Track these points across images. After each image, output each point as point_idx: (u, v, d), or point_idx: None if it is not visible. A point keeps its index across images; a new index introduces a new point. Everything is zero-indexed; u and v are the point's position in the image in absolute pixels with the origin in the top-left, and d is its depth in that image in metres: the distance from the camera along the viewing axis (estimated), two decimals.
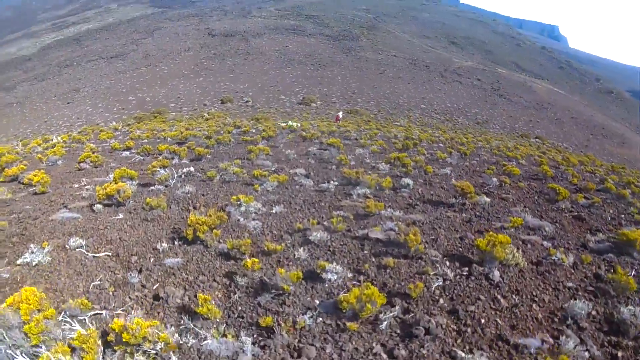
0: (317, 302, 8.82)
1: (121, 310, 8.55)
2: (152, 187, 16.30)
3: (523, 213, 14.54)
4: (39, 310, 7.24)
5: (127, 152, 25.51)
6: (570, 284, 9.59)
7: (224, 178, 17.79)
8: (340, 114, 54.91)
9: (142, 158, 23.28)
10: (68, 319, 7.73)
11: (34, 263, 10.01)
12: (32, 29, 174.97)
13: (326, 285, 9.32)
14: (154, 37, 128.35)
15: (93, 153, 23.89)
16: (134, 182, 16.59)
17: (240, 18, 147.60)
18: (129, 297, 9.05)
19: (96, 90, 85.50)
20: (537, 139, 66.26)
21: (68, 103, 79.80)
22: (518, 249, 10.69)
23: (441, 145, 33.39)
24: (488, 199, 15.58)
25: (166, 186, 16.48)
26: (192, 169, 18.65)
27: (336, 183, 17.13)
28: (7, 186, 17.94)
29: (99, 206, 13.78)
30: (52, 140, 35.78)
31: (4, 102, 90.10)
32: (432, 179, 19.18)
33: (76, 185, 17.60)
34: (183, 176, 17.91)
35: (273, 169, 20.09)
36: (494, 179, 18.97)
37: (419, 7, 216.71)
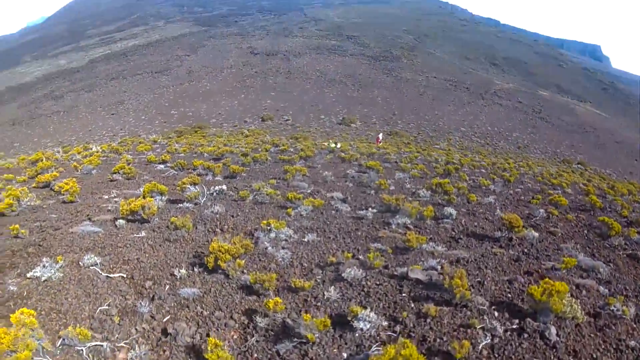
0: (345, 355, 7.61)
1: (124, 344, 7.67)
2: (181, 205, 15.35)
3: (574, 250, 12.81)
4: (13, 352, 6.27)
5: (162, 166, 24.84)
6: (633, 343, 8.06)
7: (256, 199, 16.71)
8: (381, 135, 53.57)
9: (175, 172, 22.57)
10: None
11: (43, 278, 9.38)
12: (82, 44, 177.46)
13: (357, 335, 8.01)
14: (197, 54, 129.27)
15: (128, 164, 23.34)
16: (163, 198, 15.76)
17: (282, 37, 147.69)
18: (135, 329, 8.12)
19: (140, 103, 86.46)
20: (580, 165, 64.15)
21: (112, 114, 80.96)
22: (575, 297, 9.13)
23: (483, 170, 32.11)
24: (536, 234, 13.77)
25: (196, 204, 15.51)
26: (224, 187, 17.56)
27: (374, 210, 15.85)
28: (38, 192, 17.65)
29: (122, 222, 12.93)
30: (91, 149, 35.46)
31: (52, 110, 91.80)
32: (476, 208, 17.82)
33: (105, 197, 16.95)
34: (215, 194, 16.90)
35: (309, 191, 19.07)
36: (541, 210, 17.28)
37: (459, 28, 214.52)
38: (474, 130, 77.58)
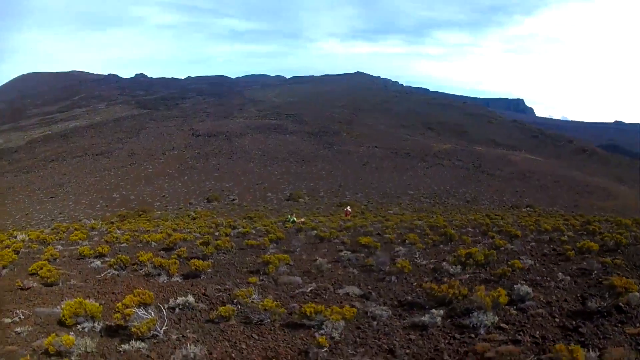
0: None
1: None
2: (126, 346, 8.63)
3: None
4: None
5: (99, 262, 17.66)
6: None
7: (246, 315, 10.61)
8: (349, 208, 51.57)
9: (115, 273, 15.76)
10: None
11: None
12: (21, 123, 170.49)
13: None
14: (139, 136, 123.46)
15: (50, 261, 17.01)
16: (95, 326, 9.37)
17: (223, 119, 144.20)
18: None
19: (80, 186, 79.57)
20: (529, 208, 67.04)
21: (51, 197, 73.97)
22: None
23: (470, 229, 29.69)
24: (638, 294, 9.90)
25: (154, 341, 9.01)
26: (190, 298, 11.30)
27: (421, 306, 11.41)
28: None
29: None
30: (17, 237, 27.98)
31: None
32: (534, 276, 13.91)
33: (6, 320, 10.25)
34: (178, 312, 10.87)
35: (309, 289, 13.80)
36: (594, 263, 14.49)
37: (392, 100, 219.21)
38: (421, 192, 76.80)
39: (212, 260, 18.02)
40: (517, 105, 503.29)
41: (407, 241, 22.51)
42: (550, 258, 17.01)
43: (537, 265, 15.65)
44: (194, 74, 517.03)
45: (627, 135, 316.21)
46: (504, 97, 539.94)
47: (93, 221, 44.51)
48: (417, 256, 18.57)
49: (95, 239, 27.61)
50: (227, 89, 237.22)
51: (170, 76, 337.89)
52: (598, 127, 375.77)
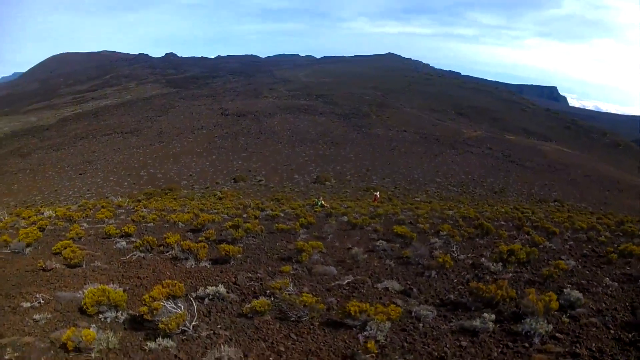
0: None
1: None
2: (151, 343, 7.83)
3: None
4: None
5: (124, 242, 17.08)
6: None
7: (281, 310, 9.79)
8: (377, 193, 50.36)
9: (141, 255, 14.99)
10: None
11: None
12: (53, 101, 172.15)
13: None
14: (168, 115, 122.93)
15: (75, 240, 16.55)
16: (118, 316, 8.68)
17: (252, 99, 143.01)
18: None
19: (109, 164, 79.44)
20: (556, 202, 65.35)
21: (80, 174, 74.25)
22: None
23: (503, 222, 28.68)
24: None
25: (182, 338, 8.24)
26: (221, 287, 10.59)
27: (467, 307, 10.68)
28: None
29: None
30: (44, 214, 27.64)
31: (18, 168, 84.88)
32: (583, 281, 13.18)
33: (25, 304, 9.69)
34: (208, 304, 10.09)
35: (345, 282, 12.88)
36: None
37: (424, 82, 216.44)
38: (448, 180, 75.39)
39: (242, 245, 17.20)
40: (551, 92, 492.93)
41: (441, 232, 21.72)
42: (592, 260, 16.44)
43: (580, 267, 15.05)
44: (224, 53, 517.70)
45: None
46: (537, 83, 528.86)
47: (120, 199, 44.20)
48: (454, 249, 17.73)
49: (122, 217, 26.98)
50: (257, 68, 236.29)
51: (200, 55, 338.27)
52: (633, 120, 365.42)
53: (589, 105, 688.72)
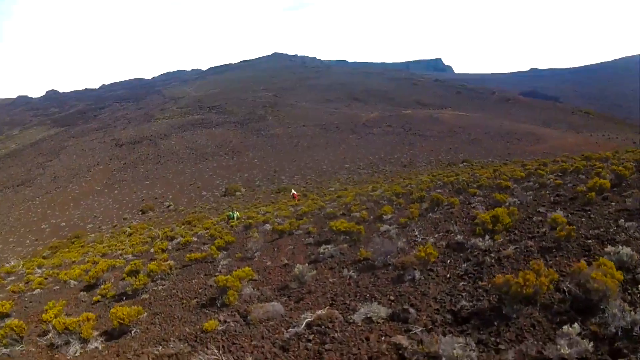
0: None
1: None
2: None
3: None
4: None
5: None
6: None
7: None
8: (294, 191, 51.28)
9: (6, 352, 11.34)
10: None
11: None
12: None
13: None
14: (59, 157, 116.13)
15: None
16: None
17: (145, 123, 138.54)
18: None
19: (5, 224, 72.87)
20: (465, 163, 67.96)
21: None
22: None
23: (439, 191, 27.06)
24: None
25: None
26: None
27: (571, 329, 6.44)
28: None
29: None
30: None
31: None
32: (597, 231, 11.12)
33: None
34: None
35: (306, 322, 8.83)
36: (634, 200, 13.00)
37: (314, 75, 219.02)
38: (357, 164, 76.68)
39: (147, 295, 14.61)
40: (437, 64, 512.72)
41: (385, 216, 19.66)
42: (575, 205, 14.59)
43: (573, 216, 12.91)
44: (107, 81, 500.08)
45: (543, 80, 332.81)
46: (422, 58, 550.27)
47: (13, 263, 40.85)
48: (415, 233, 15.19)
49: (8, 287, 23.07)
50: (145, 90, 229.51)
51: (83, 87, 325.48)
52: (516, 76, 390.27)
53: (474, 70, 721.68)
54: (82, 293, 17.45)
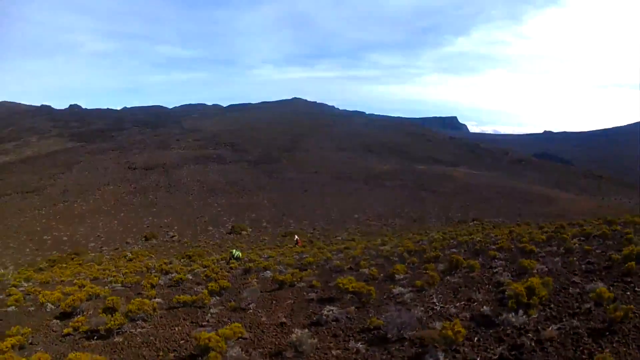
0: None
1: None
2: None
3: None
4: None
5: None
6: None
7: None
8: (297, 237, 49.18)
9: None
10: None
11: None
12: None
13: None
14: (72, 171, 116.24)
15: None
16: None
17: (160, 150, 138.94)
18: None
19: (8, 228, 71.59)
20: (475, 221, 65.64)
21: None
22: None
23: (454, 250, 24.28)
24: None
25: None
26: None
27: None
28: None
29: None
30: None
31: None
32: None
33: None
34: None
35: None
36: None
37: (330, 123, 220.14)
38: (367, 214, 75.62)
39: (122, 339, 12.73)
40: (452, 122, 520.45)
41: (397, 276, 17.35)
42: (613, 275, 12.74)
43: (617, 290, 11.08)
44: (130, 104, 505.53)
45: (556, 143, 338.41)
46: (438, 115, 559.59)
47: (1, 271, 39.50)
48: (435, 301, 12.96)
49: None
50: (164, 119, 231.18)
51: (105, 107, 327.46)
52: (529, 138, 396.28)
53: (488, 129, 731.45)
54: (55, 321, 15.73)
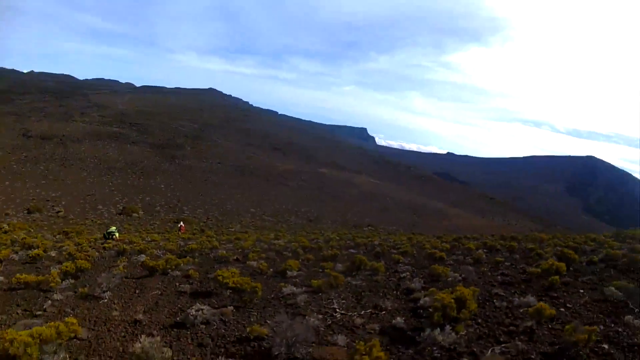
0: None
1: None
2: None
3: None
4: None
5: None
6: None
7: None
8: (182, 223, 46.88)
9: None
10: None
11: None
12: None
13: None
14: None
15: None
16: None
17: (62, 121, 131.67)
18: None
19: None
20: (370, 227, 68.20)
21: None
22: None
23: (352, 250, 23.62)
24: None
25: None
26: None
27: None
28: None
29: None
30: None
31: None
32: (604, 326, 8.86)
33: None
34: None
35: None
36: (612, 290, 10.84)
37: (242, 118, 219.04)
38: (263, 209, 75.92)
39: None
40: (361, 133, 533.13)
41: (289, 272, 15.25)
42: (535, 289, 11.98)
43: (550, 304, 10.02)
44: (38, 69, 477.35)
45: (457, 164, 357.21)
46: (349, 124, 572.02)
47: None
48: (335, 306, 10.76)
49: None
50: (73, 90, 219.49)
51: (10, 67, 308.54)
52: (433, 157, 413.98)
53: (395, 144, 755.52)
54: None
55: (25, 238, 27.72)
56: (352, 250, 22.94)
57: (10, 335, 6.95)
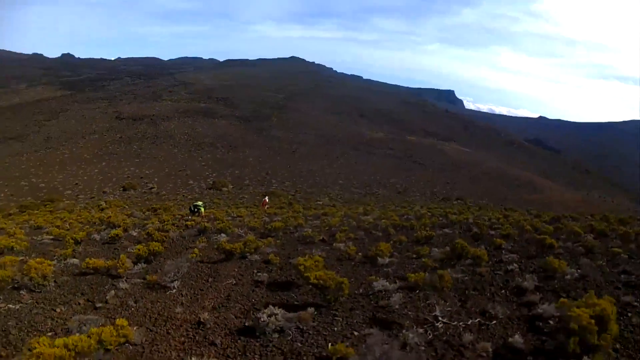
0: None
1: None
2: None
3: None
4: None
5: None
6: None
7: None
8: (267, 198, 43.68)
9: None
10: None
11: None
12: None
13: None
14: (58, 119, 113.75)
15: None
16: None
17: (150, 102, 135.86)
18: None
19: None
20: (459, 200, 64.94)
21: None
22: None
23: (447, 230, 20.43)
24: None
25: None
26: None
27: None
28: None
29: None
30: None
31: None
32: None
33: None
34: None
35: None
36: None
37: (326, 85, 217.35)
38: (351, 181, 74.23)
39: None
40: (449, 95, 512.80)
41: (379, 258, 12.89)
42: None
43: None
44: (125, 55, 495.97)
45: (550, 130, 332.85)
46: (435, 87, 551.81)
47: None
48: (437, 312, 8.41)
49: None
50: (159, 71, 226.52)
51: (99, 57, 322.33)
52: (524, 122, 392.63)
53: (484, 107, 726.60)
54: None
55: (110, 216, 26.80)
56: (446, 230, 20.14)
57: (40, 347, 5.80)
